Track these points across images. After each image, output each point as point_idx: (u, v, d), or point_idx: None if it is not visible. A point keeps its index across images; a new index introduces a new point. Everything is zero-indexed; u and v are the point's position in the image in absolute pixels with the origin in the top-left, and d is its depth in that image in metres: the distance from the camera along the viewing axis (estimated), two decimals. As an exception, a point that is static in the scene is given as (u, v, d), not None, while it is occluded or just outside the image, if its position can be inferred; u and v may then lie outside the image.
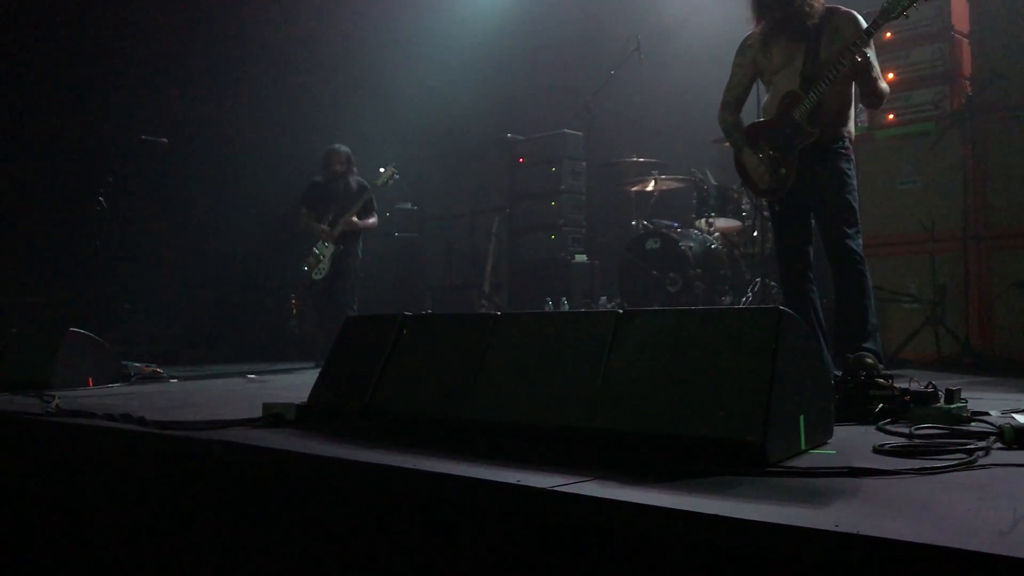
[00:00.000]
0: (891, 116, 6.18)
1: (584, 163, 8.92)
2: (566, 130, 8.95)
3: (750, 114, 4.78)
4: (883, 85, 4.21)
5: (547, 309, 7.78)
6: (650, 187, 7.84)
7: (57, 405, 3.95)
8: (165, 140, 7.19)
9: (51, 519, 3.45)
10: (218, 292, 9.69)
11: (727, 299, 7.07)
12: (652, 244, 7.26)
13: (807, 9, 4.19)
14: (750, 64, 4.47)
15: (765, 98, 4.51)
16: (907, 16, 4.02)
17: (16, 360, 5.33)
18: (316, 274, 7.46)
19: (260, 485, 2.64)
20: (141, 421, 3.25)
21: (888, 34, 6.07)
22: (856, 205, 4.24)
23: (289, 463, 2.56)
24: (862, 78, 4.14)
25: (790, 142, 4.21)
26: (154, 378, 5.84)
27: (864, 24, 4.16)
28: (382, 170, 7.68)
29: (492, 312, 3.14)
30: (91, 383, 5.29)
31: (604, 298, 8.10)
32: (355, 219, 7.48)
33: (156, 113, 8.57)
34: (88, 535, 3.25)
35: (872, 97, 4.26)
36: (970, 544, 1.37)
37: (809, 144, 4.18)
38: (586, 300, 8.22)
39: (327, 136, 8.14)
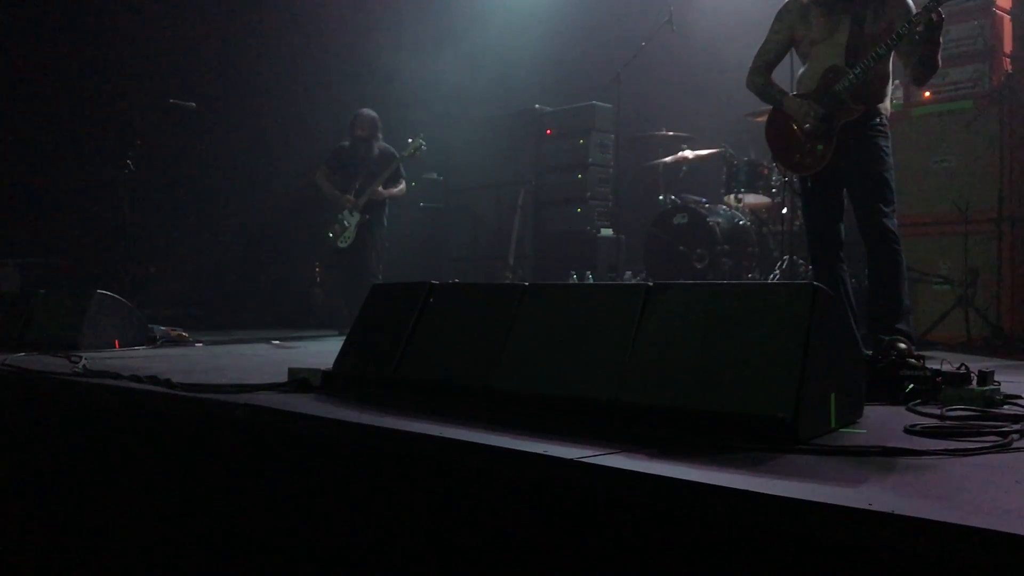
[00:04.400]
0: (927, 93, 6.06)
1: (612, 136, 8.83)
2: (595, 102, 8.85)
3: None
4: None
5: (572, 282, 7.74)
6: (679, 161, 7.76)
7: (84, 366, 3.98)
8: (193, 104, 7.19)
9: (77, 477, 3.49)
10: (243, 258, 9.72)
11: (754, 276, 7.01)
12: (680, 219, 7.21)
13: None
14: (787, 31, 4.38)
15: (800, 70, 4.43)
16: None
17: (44, 321, 5.39)
18: (341, 242, 7.46)
19: (285, 449, 2.65)
20: (168, 383, 3.27)
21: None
22: (893, 183, 4.17)
23: (314, 428, 2.56)
24: (929, 47, 3.94)
25: (832, 117, 4.13)
26: (180, 342, 5.89)
27: (911, 4, 4.07)
28: (410, 140, 7.64)
29: (517, 283, 3.11)
30: (117, 345, 5.34)
31: (629, 273, 8.05)
32: (381, 188, 7.46)
33: (184, 77, 8.57)
34: (113, 494, 3.29)
35: (929, 67, 4.09)
36: (1009, 527, 1.34)
37: (849, 120, 4.10)
38: (611, 274, 8.18)
39: (356, 103, 8.10)
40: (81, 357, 4.36)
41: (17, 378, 3.94)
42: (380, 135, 7.61)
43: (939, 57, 4.05)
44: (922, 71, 4.15)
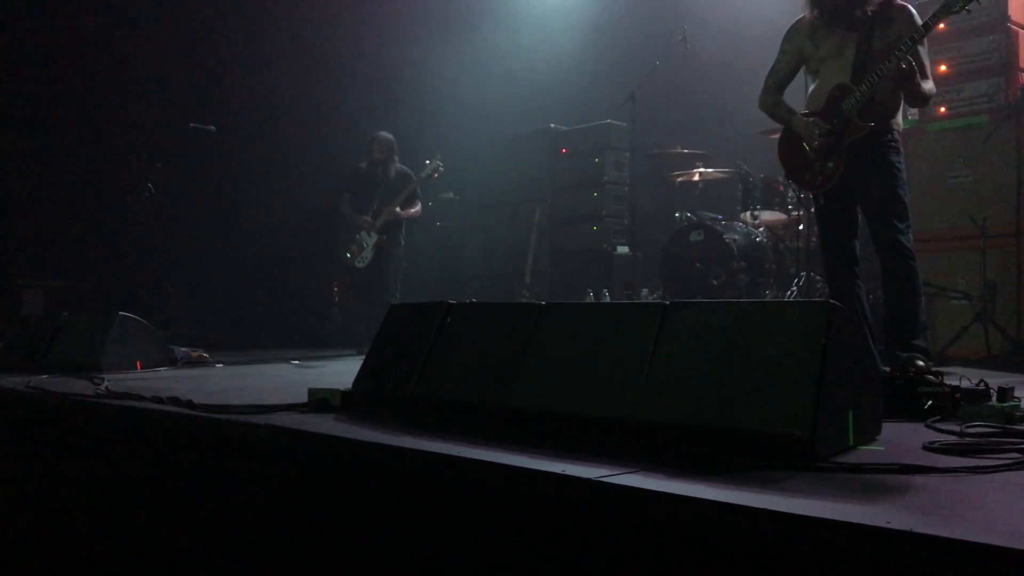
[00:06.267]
0: (943, 109, 6.06)
1: (628, 154, 8.86)
2: (610, 120, 8.89)
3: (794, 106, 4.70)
4: (926, 88, 4.09)
5: (588, 300, 7.75)
6: (695, 178, 7.78)
7: (107, 387, 4.02)
8: (213, 128, 7.28)
9: (100, 496, 3.52)
10: (262, 278, 9.79)
11: (770, 293, 7.00)
12: (696, 236, 7.21)
13: None
14: (796, 51, 4.41)
15: (811, 88, 4.45)
16: (968, 11, 3.93)
17: (68, 343, 5.44)
18: (359, 262, 7.51)
19: (305, 469, 2.67)
20: (189, 404, 3.30)
21: (942, 24, 5.89)
22: (907, 199, 4.17)
23: (334, 448, 2.58)
24: (905, 82, 4.01)
25: (840, 135, 4.14)
26: (200, 363, 5.93)
27: (918, 19, 4.08)
28: (428, 161, 7.71)
29: (534, 302, 3.12)
30: (139, 366, 5.38)
31: (646, 290, 8.06)
32: (398, 209, 7.52)
33: (204, 101, 8.67)
34: (135, 514, 3.31)
35: (914, 99, 4.17)
36: (1028, 545, 1.34)
37: (859, 137, 4.11)
38: (627, 292, 8.18)
39: (373, 124, 8.17)
40: (104, 379, 4.39)
41: (41, 400, 3.98)
42: (397, 157, 7.68)
43: (921, 91, 4.06)
44: (911, 102, 4.26)
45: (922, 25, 3.95)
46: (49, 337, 5.52)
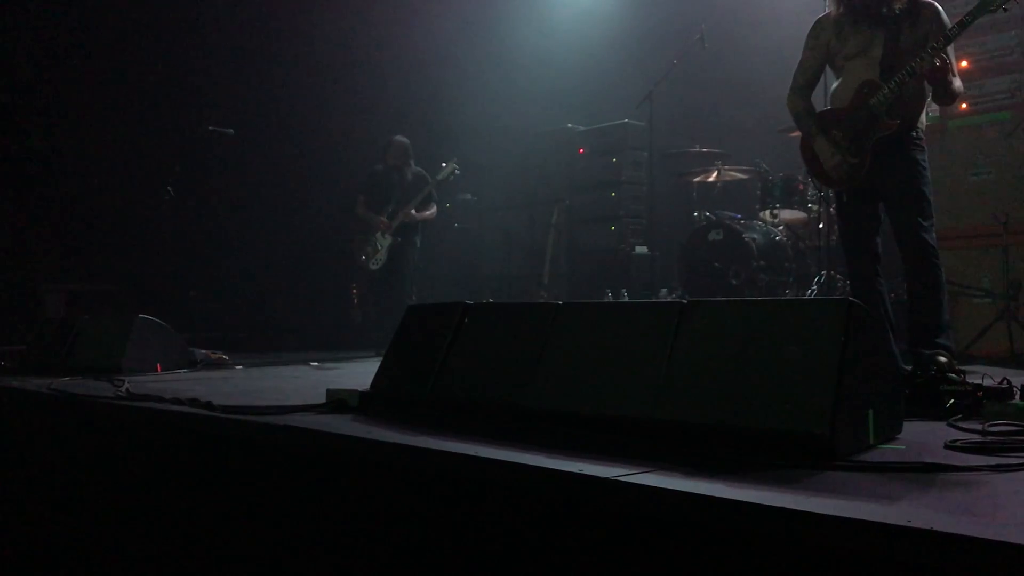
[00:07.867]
0: (964, 105, 5.99)
1: (646, 153, 8.79)
2: (627, 120, 8.85)
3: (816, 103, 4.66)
4: (957, 85, 4.05)
5: (607, 300, 7.73)
6: (713, 178, 7.74)
7: (127, 389, 4.05)
8: (231, 131, 7.31)
9: (120, 497, 3.54)
10: (281, 280, 9.84)
11: (791, 292, 6.95)
12: (715, 236, 7.17)
13: None
14: (823, 47, 4.37)
15: (834, 85, 4.41)
16: (1006, 10, 3.89)
17: (88, 345, 5.48)
18: (373, 264, 7.53)
19: (324, 469, 2.68)
20: (208, 405, 3.32)
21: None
22: (931, 197, 4.13)
23: (352, 448, 2.58)
24: (937, 79, 3.97)
25: (866, 132, 4.11)
26: (220, 364, 5.96)
27: (946, 17, 4.05)
28: (444, 165, 7.72)
29: (551, 302, 3.09)
30: (159, 368, 5.42)
31: (665, 290, 8.02)
32: (413, 211, 7.54)
33: (223, 104, 8.72)
34: (155, 514, 3.33)
35: (945, 97, 4.13)
36: (1051, 543, 1.32)
37: (885, 135, 4.08)
38: (646, 292, 8.14)
39: (389, 127, 8.19)
40: (124, 381, 4.43)
41: (63, 402, 4.02)
42: (412, 160, 7.70)
43: (953, 88, 4.02)
44: (940, 100, 4.19)
45: (958, 23, 3.90)
46: (70, 340, 5.57)
